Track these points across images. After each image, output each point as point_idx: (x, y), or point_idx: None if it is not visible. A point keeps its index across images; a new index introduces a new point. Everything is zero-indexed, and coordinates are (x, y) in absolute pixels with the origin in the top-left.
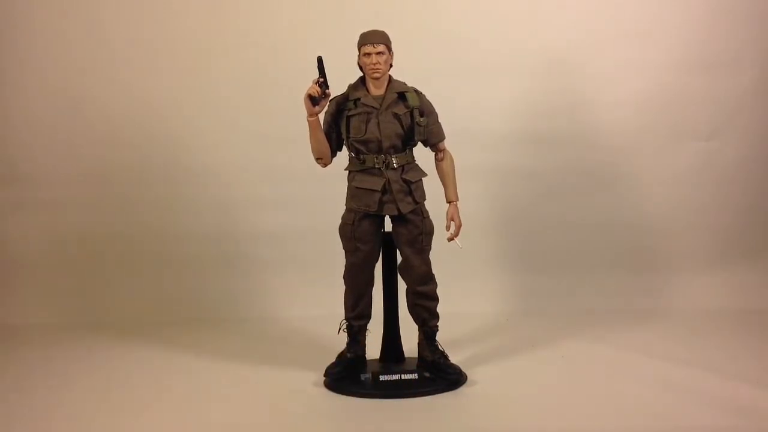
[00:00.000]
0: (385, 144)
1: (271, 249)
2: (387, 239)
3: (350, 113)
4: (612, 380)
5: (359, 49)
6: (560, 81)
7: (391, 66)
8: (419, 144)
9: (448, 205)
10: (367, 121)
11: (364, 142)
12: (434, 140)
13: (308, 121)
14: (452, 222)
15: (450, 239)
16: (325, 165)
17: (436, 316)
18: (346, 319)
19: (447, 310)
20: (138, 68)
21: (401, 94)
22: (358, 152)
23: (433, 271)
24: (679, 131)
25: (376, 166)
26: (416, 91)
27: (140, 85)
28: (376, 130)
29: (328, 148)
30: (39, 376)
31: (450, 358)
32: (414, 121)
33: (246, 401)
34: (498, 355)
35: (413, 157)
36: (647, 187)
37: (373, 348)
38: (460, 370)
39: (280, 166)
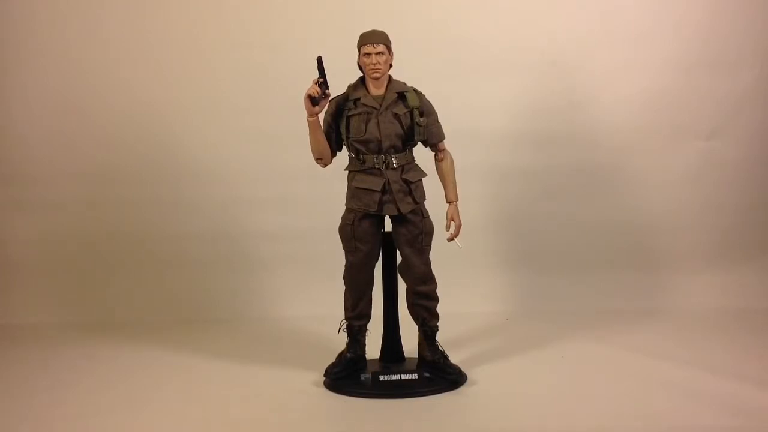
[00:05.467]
0: (385, 144)
1: (271, 249)
2: (387, 239)
3: (350, 113)
4: (612, 380)
5: (359, 49)
6: (560, 81)
7: (391, 66)
8: (419, 144)
9: (448, 205)
10: (367, 121)
11: (364, 142)
12: (434, 140)
13: (308, 121)
14: (452, 222)
15: (450, 239)
16: (325, 165)
17: (436, 316)
18: (346, 319)
19: (447, 310)
20: (138, 68)
21: (401, 94)
22: (358, 152)
23: (433, 271)
24: (679, 131)
25: (376, 166)
26: (416, 91)
27: (140, 85)
28: (376, 130)
29: (328, 148)
30: (39, 376)
31: (450, 358)
32: (414, 121)
33: (246, 401)
34: (498, 355)
35: (413, 157)
36: (647, 187)
37: (373, 348)
38: (460, 370)
39: (280, 166)
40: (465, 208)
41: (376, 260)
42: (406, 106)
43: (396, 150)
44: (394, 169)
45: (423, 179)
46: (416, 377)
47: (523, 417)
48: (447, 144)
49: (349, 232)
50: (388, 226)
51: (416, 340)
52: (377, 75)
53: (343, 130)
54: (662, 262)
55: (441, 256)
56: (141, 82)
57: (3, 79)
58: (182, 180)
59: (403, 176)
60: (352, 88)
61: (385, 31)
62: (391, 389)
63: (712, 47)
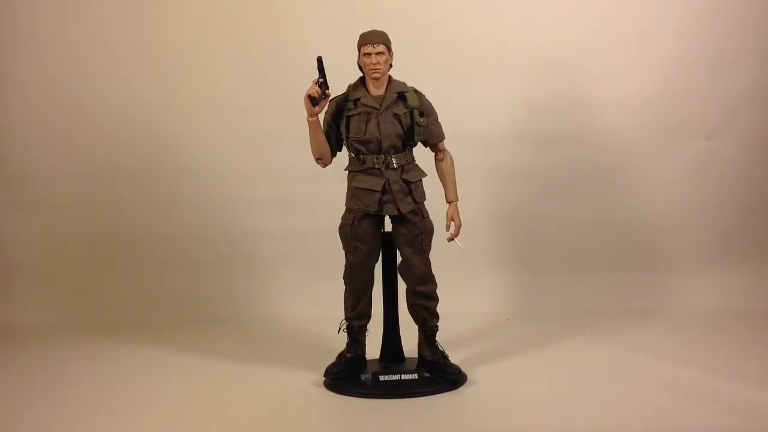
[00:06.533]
0: (385, 144)
1: (271, 249)
2: (387, 239)
3: (350, 113)
4: (612, 380)
5: (359, 50)
6: (560, 81)
7: (390, 66)
8: (419, 144)
9: (448, 205)
10: (367, 121)
11: (364, 142)
12: (434, 140)
13: (308, 121)
14: (452, 222)
15: (450, 239)
16: (325, 165)
17: (436, 316)
18: (346, 319)
19: (447, 310)
20: (138, 68)
21: (401, 94)
22: (358, 152)
23: (433, 271)
24: (679, 131)
25: (376, 166)
26: (416, 91)
27: (140, 85)
28: (376, 130)
29: (328, 148)
30: (39, 376)
31: (450, 358)
32: (414, 121)
33: (246, 401)
34: (498, 355)
35: (413, 157)
36: (647, 187)
37: (373, 348)
38: (460, 370)
39: (280, 166)
40: (465, 208)
41: (376, 260)
42: (406, 106)
43: (396, 150)
44: (394, 169)
45: (423, 179)
46: (416, 377)
47: (523, 417)
48: (447, 144)
49: (349, 232)
50: (388, 226)
51: (416, 340)
52: (377, 75)
53: (343, 130)
54: (662, 262)
55: (441, 256)
56: (141, 82)
57: (3, 79)
58: (182, 180)
59: (403, 176)
60: (352, 88)
61: (385, 31)
62: (391, 389)
63: (712, 47)
